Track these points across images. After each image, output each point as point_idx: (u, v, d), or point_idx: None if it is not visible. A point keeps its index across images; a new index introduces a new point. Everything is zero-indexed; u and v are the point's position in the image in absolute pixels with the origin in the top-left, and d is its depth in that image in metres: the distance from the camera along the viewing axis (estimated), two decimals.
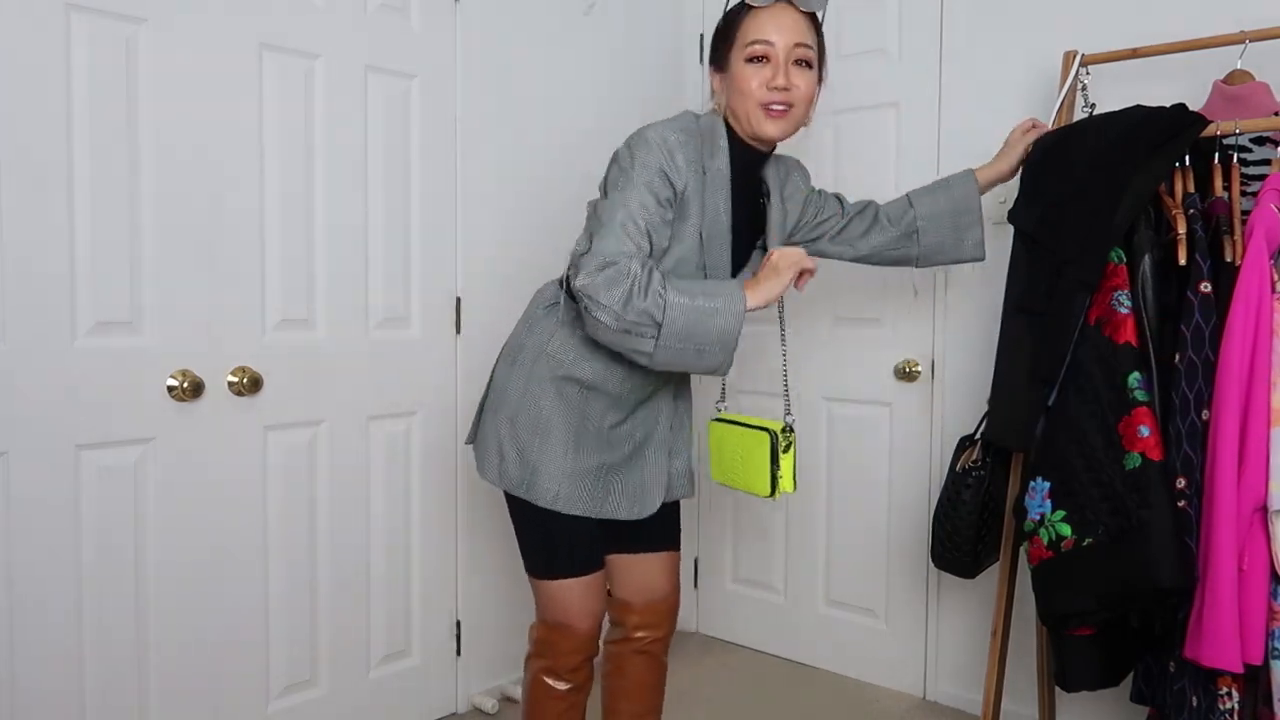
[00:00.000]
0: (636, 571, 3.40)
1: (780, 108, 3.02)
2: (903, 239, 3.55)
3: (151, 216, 3.43)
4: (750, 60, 3.02)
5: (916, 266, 3.63)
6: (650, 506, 3.22)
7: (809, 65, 3.04)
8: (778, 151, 3.25)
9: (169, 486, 3.52)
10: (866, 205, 3.60)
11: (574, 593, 3.13)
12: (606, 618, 3.46)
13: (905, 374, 4.65)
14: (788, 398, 3.51)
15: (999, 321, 3.68)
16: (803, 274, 2.93)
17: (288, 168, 3.77)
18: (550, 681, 3.21)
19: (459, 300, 4.33)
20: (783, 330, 3.46)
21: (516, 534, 3.20)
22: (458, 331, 4.33)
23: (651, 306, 2.79)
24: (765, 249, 3.23)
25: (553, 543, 3.13)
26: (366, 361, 4.02)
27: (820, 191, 3.57)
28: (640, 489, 3.22)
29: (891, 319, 4.71)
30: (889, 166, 4.64)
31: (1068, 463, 3.14)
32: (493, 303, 4.46)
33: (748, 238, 3.21)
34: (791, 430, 3.32)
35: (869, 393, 4.75)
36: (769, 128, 3.03)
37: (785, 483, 3.29)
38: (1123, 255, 3.17)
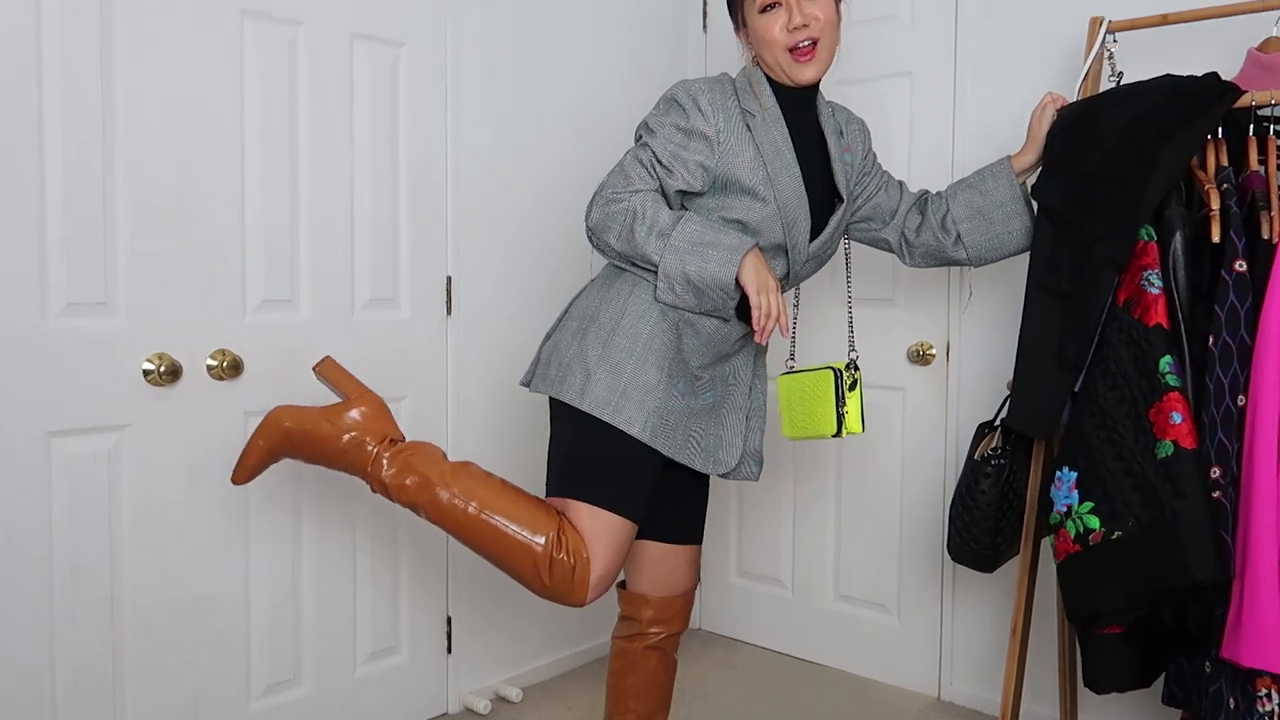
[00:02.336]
0: (659, 563, 3.42)
1: (807, 45, 3.15)
2: (947, 242, 3.55)
3: (126, 192, 3.40)
4: (764, 10, 3.16)
5: (974, 267, 3.69)
6: (723, 465, 3.27)
7: None
8: (834, 100, 3.33)
9: (145, 475, 3.50)
10: (920, 198, 3.64)
11: (621, 534, 3.10)
12: (618, 613, 3.48)
13: (919, 357, 4.63)
14: (851, 335, 3.65)
15: (1019, 302, 3.65)
16: (769, 317, 3.01)
17: (269, 141, 3.75)
18: (526, 539, 3.07)
19: (450, 280, 4.31)
20: (849, 277, 3.68)
21: (568, 456, 3.16)
22: (449, 312, 4.31)
23: (647, 246, 3.04)
24: (843, 199, 3.34)
25: (623, 476, 3.11)
26: (353, 344, 4.00)
27: (886, 172, 3.64)
28: (717, 444, 3.27)
29: (904, 299, 4.69)
30: (901, 140, 4.62)
31: (1096, 451, 3.12)
32: (486, 282, 4.44)
33: (820, 185, 3.29)
34: (856, 368, 3.48)
35: (880, 376, 4.72)
36: (805, 72, 3.19)
37: (852, 422, 3.46)
38: (1153, 233, 3.14)
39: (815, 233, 3.25)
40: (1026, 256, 3.49)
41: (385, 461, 3.10)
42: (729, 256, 2.95)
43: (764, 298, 2.95)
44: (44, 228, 3.24)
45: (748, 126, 3.14)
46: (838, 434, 3.44)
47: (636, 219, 3.03)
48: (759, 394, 3.39)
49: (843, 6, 3.25)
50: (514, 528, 3.02)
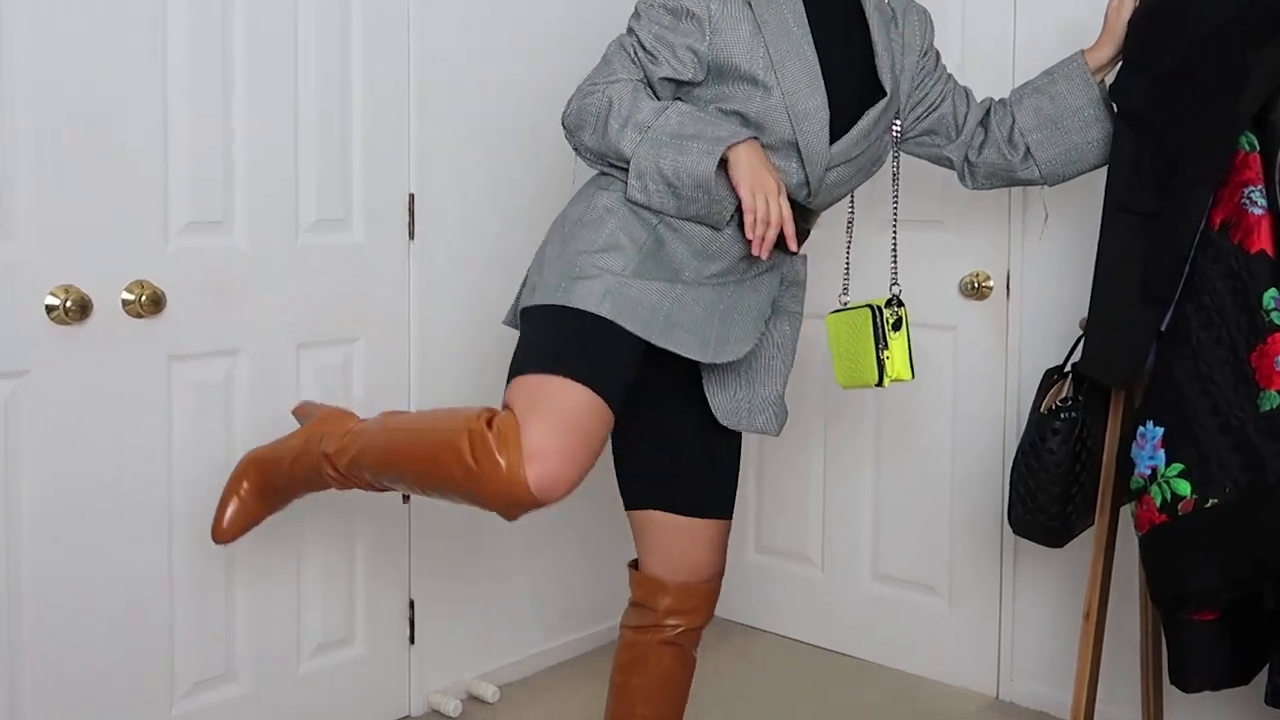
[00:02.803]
0: (674, 540, 3.39)
1: None
2: (1014, 159, 3.53)
3: (26, 93, 3.38)
4: None
5: (1048, 185, 3.65)
6: (727, 354, 3.16)
7: None
8: None
9: (48, 431, 3.49)
10: (985, 109, 3.61)
11: (565, 400, 2.94)
12: (629, 598, 3.46)
13: (974, 290, 4.65)
14: (894, 265, 3.62)
15: (1095, 222, 3.64)
16: (764, 223, 2.98)
17: (198, 33, 3.72)
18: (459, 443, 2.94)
19: (412, 198, 4.31)
20: (895, 195, 3.60)
21: (517, 351, 3.11)
22: (411, 236, 4.31)
23: (621, 140, 3.03)
24: (885, 92, 3.29)
25: (573, 345, 3.02)
26: (296, 274, 4.00)
27: (951, 77, 3.61)
28: (723, 331, 3.19)
29: (956, 221, 4.70)
30: (952, 29, 4.59)
31: (1187, 403, 3.10)
32: (457, 201, 4.44)
33: (858, 76, 3.26)
34: (900, 304, 3.46)
35: (928, 314, 4.69)
36: None
37: (896, 367, 3.44)
38: (1254, 141, 3.13)
39: (845, 131, 3.24)
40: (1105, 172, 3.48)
41: (331, 436, 3.14)
42: (710, 147, 2.95)
43: (758, 199, 2.94)
44: None
45: (748, 3, 3.13)
46: (880, 383, 3.43)
47: (612, 110, 3.04)
48: (784, 329, 3.39)
49: None
50: (438, 425, 2.99)
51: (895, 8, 3.40)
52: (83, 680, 3.60)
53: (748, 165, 2.96)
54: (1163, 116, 3.24)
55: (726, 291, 3.22)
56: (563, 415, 2.89)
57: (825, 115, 3.16)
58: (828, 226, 3.86)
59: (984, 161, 3.56)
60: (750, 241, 3.00)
